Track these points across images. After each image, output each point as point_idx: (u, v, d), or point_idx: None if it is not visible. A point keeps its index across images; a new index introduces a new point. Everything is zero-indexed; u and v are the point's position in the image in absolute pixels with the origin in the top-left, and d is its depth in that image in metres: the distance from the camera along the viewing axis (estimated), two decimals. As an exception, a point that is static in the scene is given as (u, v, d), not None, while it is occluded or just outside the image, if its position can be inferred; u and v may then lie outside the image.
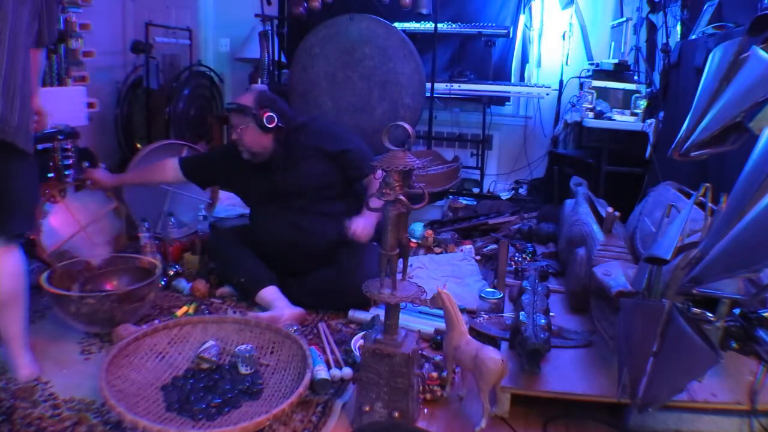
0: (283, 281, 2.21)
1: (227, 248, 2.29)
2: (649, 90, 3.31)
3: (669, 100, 2.95)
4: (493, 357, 1.45)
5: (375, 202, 2.01)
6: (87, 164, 2.63)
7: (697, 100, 1.32)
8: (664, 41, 3.12)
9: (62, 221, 2.34)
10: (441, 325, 1.87)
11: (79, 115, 2.89)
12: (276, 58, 3.84)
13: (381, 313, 1.76)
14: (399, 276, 1.47)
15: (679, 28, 3.10)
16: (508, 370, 1.51)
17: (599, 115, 3.28)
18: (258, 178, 2.26)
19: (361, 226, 2.11)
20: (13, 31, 1.46)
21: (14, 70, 1.47)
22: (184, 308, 2.12)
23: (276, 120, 2.14)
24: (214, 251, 2.38)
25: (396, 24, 3.59)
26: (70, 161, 2.84)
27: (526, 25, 4.07)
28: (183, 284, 2.32)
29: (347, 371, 1.73)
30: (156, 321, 1.92)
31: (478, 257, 2.76)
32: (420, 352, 1.66)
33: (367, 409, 1.46)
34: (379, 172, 1.91)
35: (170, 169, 2.45)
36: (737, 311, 1.22)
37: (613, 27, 3.85)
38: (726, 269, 1.06)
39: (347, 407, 1.59)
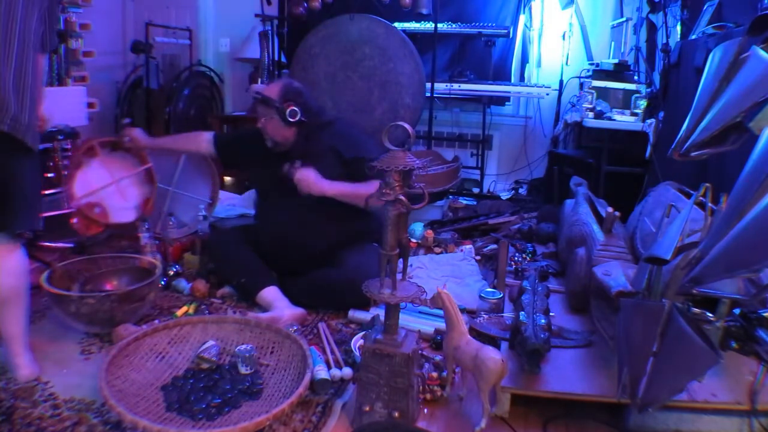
0: (283, 281, 2.21)
1: (227, 248, 2.29)
2: (649, 90, 3.31)
3: (669, 100, 2.95)
4: (493, 357, 1.45)
5: (350, 186, 2.06)
6: (129, 120, 2.74)
7: (697, 100, 1.32)
8: (664, 41, 3.12)
9: (96, 174, 2.51)
10: (441, 325, 1.87)
11: (79, 115, 2.90)
12: (276, 58, 3.84)
13: (381, 313, 1.76)
14: (399, 276, 1.47)
15: (679, 28, 3.10)
16: (508, 370, 1.51)
17: (599, 115, 3.28)
18: (274, 167, 2.25)
19: (312, 178, 2.07)
20: (22, 31, 1.48)
21: (24, 70, 1.49)
22: (184, 308, 2.12)
23: (299, 114, 2.14)
24: (214, 251, 2.37)
25: (396, 24, 3.59)
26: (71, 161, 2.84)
27: (526, 25, 4.07)
28: (183, 284, 2.32)
29: (347, 371, 1.73)
30: (156, 321, 1.92)
31: (478, 257, 2.76)
32: (420, 352, 1.66)
33: (367, 409, 1.46)
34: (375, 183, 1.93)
35: (204, 141, 2.48)
36: (737, 311, 1.22)
37: (613, 27, 3.85)
38: (726, 269, 1.06)
39: (347, 407, 1.59)
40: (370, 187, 2.00)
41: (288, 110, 2.13)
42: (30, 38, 1.51)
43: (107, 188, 2.51)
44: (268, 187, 2.38)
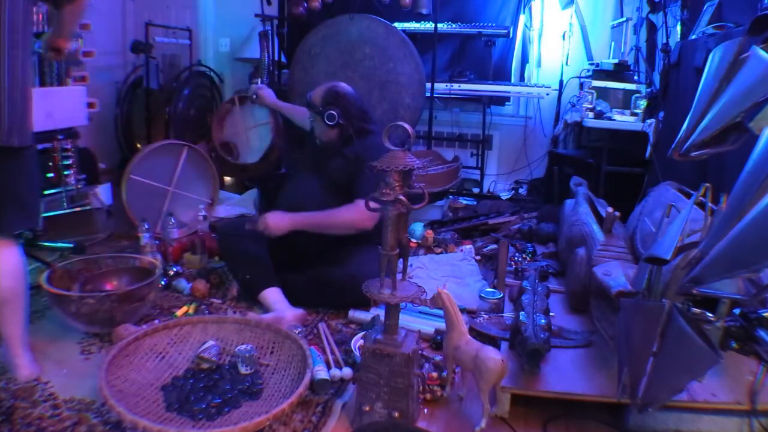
0: (284, 279, 2.21)
1: (238, 242, 2.29)
2: (649, 90, 3.31)
3: (669, 100, 2.95)
4: (493, 357, 1.45)
5: (336, 212, 2.13)
6: (258, 82, 3.48)
7: (697, 100, 1.32)
8: (664, 41, 3.12)
9: (234, 122, 3.41)
10: (441, 325, 1.87)
11: (79, 115, 2.89)
12: (276, 58, 3.84)
13: (381, 313, 1.76)
14: (399, 276, 1.47)
15: (679, 28, 3.10)
16: (508, 370, 1.51)
17: (599, 115, 3.28)
18: (311, 155, 2.40)
19: (275, 219, 2.14)
20: (3, 26, 1.43)
21: (14, 71, 1.45)
22: (184, 308, 2.12)
23: (336, 118, 2.22)
24: (224, 243, 2.35)
25: (396, 24, 3.59)
26: (71, 161, 2.85)
27: (526, 25, 4.07)
28: (183, 284, 2.32)
29: (347, 371, 1.73)
30: (156, 321, 1.92)
31: (478, 257, 2.76)
32: (420, 352, 1.66)
33: (367, 409, 1.46)
34: (362, 202, 1.95)
35: (306, 116, 2.59)
36: (737, 311, 1.22)
37: (613, 27, 3.85)
38: (726, 269, 1.06)
39: (347, 407, 1.59)
40: (341, 212, 2.10)
41: (326, 113, 2.22)
42: (4, 36, 1.44)
43: (239, 134, 3.40)
44: (299, 169, 2.54)
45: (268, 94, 2.86)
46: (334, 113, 2.22)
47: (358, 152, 2.21)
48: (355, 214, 2.09)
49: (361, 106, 2.32)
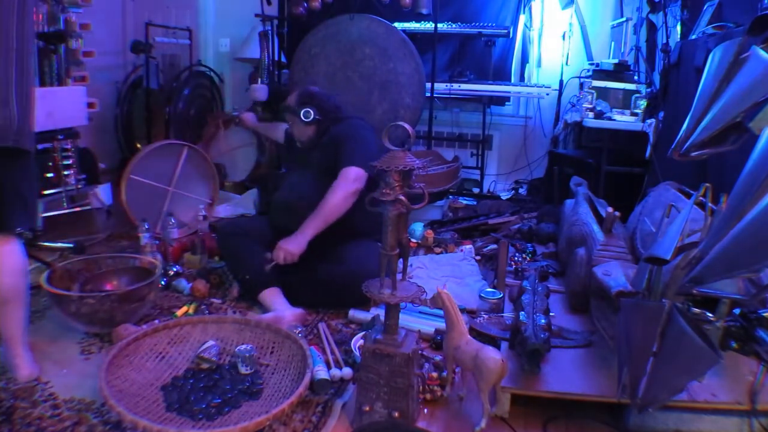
0: (284, 280, 2.20)
1: (237, 241, 2.29)
2: (649, 90, 3.31)
3: (669, 100, 2.95)
4: (493, 357, 1.45)
5: (315, 215, 2.14)
6: (236, 112, 3.49)
7: (697, 100, 1.32)
8: (664, 41, 3.12)
9: (217, 145, 3.56)
10: (441, 325, 1.87)
11: (79, 115, 2.89)
12: (276, 58, 3.84)
13: (381, 313, 1.76)
14: (399, 276, 1.47)
15: (679, 28, 3.10)
16: (508, 370, 1.51)
17: (599, 115, 3.28)
18: (297, 152, 2.53)
19: (289, 245, 2.12)
20: (20, 31, 1.45)
21: (26, 72, 1.47)
22: (184, 308, 2.12)
23: (312, 114, 2.35)
24: (224, 243, 2.36)
25: (396, 24, 3.59)
26: (71, 161, 2.85)
27: (526, 25, 4.07)
28: (183, 284, 2.32)
29: (347, 371, 1.73)
30: (156, 321, 1.92)
31: (478, 257, 2.76)
32: (420, 352, 1.66)
33: (367, 409, 1.46)
34: (354, 169, 2.11)
35: (281, 131, 2.83)
36: (737, 311, 1.22)
37: (613, 27, 3.85)
38: (726, 269, 1.06)
39: (347, 407, 1.59)
40: (331, 194, 2.13)
41: (302, 111, 2.35)
42: (30, 31, 1.48)
43: (226, 155, 3.58)
44: (290, 168, 2.70)
45: (249, 117, 3.10)
46: (310, 110, 2.35)
47: (333, 135, 2.33)
48: (343, 186, 2.14)
49: (334, 102, 2.44)
